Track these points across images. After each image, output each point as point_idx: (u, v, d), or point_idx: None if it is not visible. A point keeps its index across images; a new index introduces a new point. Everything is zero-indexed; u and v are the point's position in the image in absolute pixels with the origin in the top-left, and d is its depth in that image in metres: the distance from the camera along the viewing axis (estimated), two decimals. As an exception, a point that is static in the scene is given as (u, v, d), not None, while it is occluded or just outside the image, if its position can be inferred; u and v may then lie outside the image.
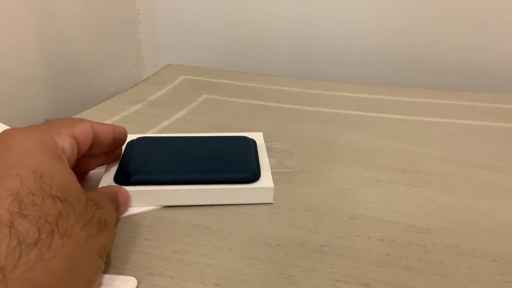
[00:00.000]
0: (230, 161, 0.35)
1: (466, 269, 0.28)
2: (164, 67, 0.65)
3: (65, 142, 0.27)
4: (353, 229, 0.31)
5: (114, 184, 0.33)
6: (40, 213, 0.21)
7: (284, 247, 0.30)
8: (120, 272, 0.28)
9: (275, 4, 0.68)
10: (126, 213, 0.33)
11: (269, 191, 0.34)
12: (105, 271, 0.27)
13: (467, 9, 0.60)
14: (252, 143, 0.39)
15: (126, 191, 0.32)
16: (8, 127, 0.39)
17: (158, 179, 0.33)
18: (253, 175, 0.34)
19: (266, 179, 0.34)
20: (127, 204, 0.33)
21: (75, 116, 0.49)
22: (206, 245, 0.30)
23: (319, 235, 0.31)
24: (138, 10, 0.70)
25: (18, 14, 0.50)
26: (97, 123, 0.31)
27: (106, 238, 0.25)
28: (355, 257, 0.29)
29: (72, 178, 0.24)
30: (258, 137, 0.40)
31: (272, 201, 0.34)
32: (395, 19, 0.63)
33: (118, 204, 0.31)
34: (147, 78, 0.61)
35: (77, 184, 0.24)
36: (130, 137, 0.38)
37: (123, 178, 0.33)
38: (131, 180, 0.33)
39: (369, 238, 0.30)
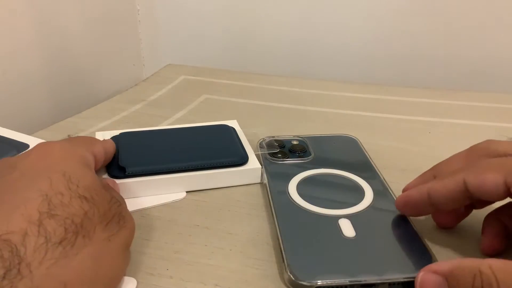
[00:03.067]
0: (218, 147, 0.38)
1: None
2: (164, 67, 0.65)
3: (90, 156, 0.29)
4: (353, 229, 0.31)
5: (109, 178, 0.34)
6: (67, 213, 0.22)
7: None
8: (120, 272, 0.28)
9: (275, 5, 0.68)
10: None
11: (257, 172, 0.36)
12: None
13: (467, 9, 0.60)
14: (233, 129, 0.41)
15: (113, 180, 0.33)
16: (13, 131, 0.40)
17: (154, 169, 0.34)
18: (243, 158, 0.36)
19: (253, 161, 0.37)
20: (115, 185, 0.33)
21: (75, 116, 0.49)
22: (206, 245, 0.30)
23: (319, 235, 0.31)
24: (138, 10, 0.70)
25: (18, 15, 0.50)
26: (104, 142, 0.34)
27: (127, 233, 0.26)
28: None
29: (96, 180, 0.26)
30: (234, 124, 0.43)
31: (259, 181, 0.37)
32: (395, 19, 0.63)
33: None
34: (147, 78, 0.61)
35: (101, 185, 0.26)
36: (112, 133, 0.40)
37: (118, 171, 0.34)
38: (126, 173, 0.34)
39: (369, 238, 0.30)
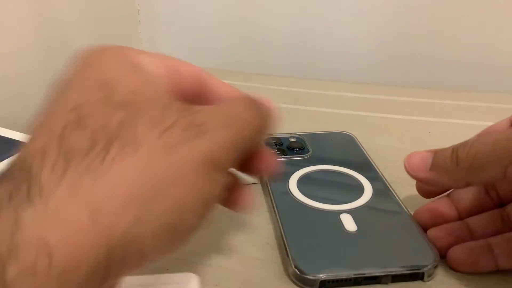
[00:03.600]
0: None
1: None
2: (164, 67, 0.64)
3: (148, 59, 0.21)
4: (353, 229, 0.31)
5: None
6: (98, 124, 0.17)
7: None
8: (120, 272, 0.28)
9: (275, 5, 0.68)
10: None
11: None
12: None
13: (467, 8, 0.60)
14: None
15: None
16: (13, 131, 0.40)
17: None
18: None
19: None
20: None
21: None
22: (206, 245, 0.30)
23: (319, 235, 0.31)
24: (138, 10, 0.70)
25: (18, 15, 0.50)
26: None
27: (205, 144, 0.18)
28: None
29: (144, 83, 0.19)
30: None
31: (257, 181, 0.36)
32: (395, 19, 0.63)
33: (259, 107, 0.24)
34: (147, 78, 0.61)
35: (152, 88, 0.20)
36: None
37: None
38: None
39: (369, 238, 0.30)
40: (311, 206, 0.32)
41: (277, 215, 0.31)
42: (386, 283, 0.26)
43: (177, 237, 0.19)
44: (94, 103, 0.18)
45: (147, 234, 0.17)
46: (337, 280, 0.26)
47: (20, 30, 0.50)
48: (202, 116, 0.19)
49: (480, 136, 0.25)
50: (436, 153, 0.27)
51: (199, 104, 0.20)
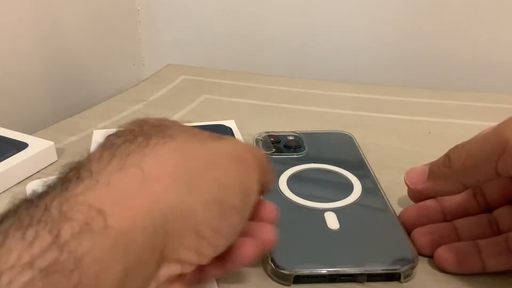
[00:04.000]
0: None
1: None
2: (164, 67, 0.65)
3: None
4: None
5: None
6: (135, 131, 0.20)
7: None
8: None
9: (275, 5, 0.68)
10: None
11: None
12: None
13: (467, 8, 0.60)
14: (229, 129, 0.42)
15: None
16: (13, 131, 0.40)
17: None
18: None
19: None
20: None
21: (75, 116, 0.48)
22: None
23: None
24: (138, 10, 0.70)
25: (18, 14, 0.50)
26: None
27: (230, 143, 0.22)
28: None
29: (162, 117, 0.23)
30: (231, 124, 0.44)
31: None
32: (395, 19, 0.63)
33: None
34: (147, 78, 0.61)
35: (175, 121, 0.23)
36: (110, 132, 0.38)
37: None
38: None
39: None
40: (298, 203, 0.32)
41: None
42: (361, 281, 0.26)
43: (225, 213, 0.20)
44: (131, 127, 0.20)
45: (198, 206, 0.18)
46: (312, 276, 0.26)
47: (20, 30, 0.51)
48: (219, 134, 0.22)
49: (471, 138, 0.26)
50: (431, 163, 0.28)
51: None
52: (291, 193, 0.33)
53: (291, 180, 0.35)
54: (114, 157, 0.17)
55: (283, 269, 0.26)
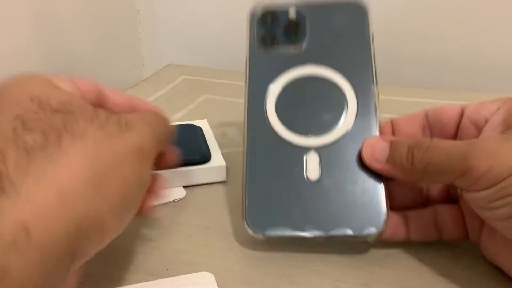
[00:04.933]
0: (181, 146, 0.36)
1: (467, 268, 0.28)
2: (164, 67, 0.65)
3: (61, 81, 0.25)
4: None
5: None
6: (45, 124, 0.20)
7: (284, 247, 0.30)
8: (120, 272, 0.28)
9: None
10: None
11: (221, 170, 0.37)
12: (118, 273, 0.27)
13: (467, 8, 0.60)
14: (199, 129, 0.41)
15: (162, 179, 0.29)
16: None
17: None
18: (204, 156, 0.37)
19: (217, 159, 0.37)
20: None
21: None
22: (206, 245, 0.30)
23: (319, 235, 0.31)
24: (138, 10, 0.70)
25: (18, 14, 0.50)
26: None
27: (135, 137, 0.23)
28: (355, 257, 0.29)
29: (71, 95, 0.23)
30: (203, 124, 0.43)
31: (225, 179, 0.37)
32: (395, 19, 0.63)
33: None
34: (147, 78, 0.62)
35: (80, 99, 0.23)
36: None
37: None
38: None
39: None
40: (281, 136, 0.30)
41: (246, 150, 0.30)
42: (329, 242, 0.28)
43: (128, 211, 0.23)
44: (33, 112, 0.21)
45: (105, 211, 0.21)
46: (281, 237, 0.28)
47: (20, 30, 0.51)
48: (127, 117, 0.23)
49: (437, 143, 0.25)
50: (392, 145, 0.27)
51: None
52: (277, 119, 0.30)
53: (280, 96, 0.31)
54: (30, 165, 0.19)
55: (253, 231, 0.28)
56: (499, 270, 0.27)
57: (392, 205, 0.28)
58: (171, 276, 0.27)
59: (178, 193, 0.35)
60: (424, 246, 0.29)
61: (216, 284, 0.26)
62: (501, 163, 0.22)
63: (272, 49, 0.32)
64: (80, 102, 0.22)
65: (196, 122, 0.43)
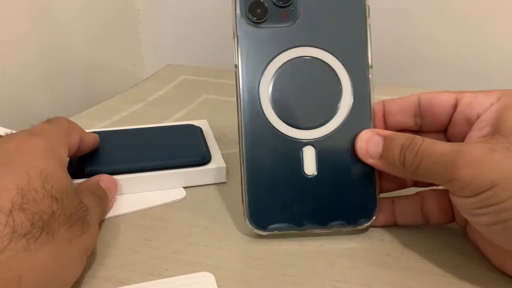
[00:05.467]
0: (181, 147, 0.37)
1: (467, 268, 0.28)
2: (164, 67, 0.65)
3: (65, 155, 0.30)
4: (353, 229, 0.31)
5: None
6: (37, 209, 0.23)
7: (284, 247, 0.30)
8: (120, 272, 0.28)
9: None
10: (117, 213, 0.33)
11: (221, 171, 0.36)
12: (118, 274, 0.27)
13: (467, 8, 0.60)
14: (198, 129, 0.41)
15: (109, 176, 0.33)
16: (8, 130, 0.40)
17: (113, 169, 0.34)
18: (204, 158, 0.36)
19: (217, 160, 0.37)
20: (114, 188, 0.33)
21: (75, 116, 0.48)
22: (206, 245, 0.30)
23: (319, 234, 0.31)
24: (138, 10, 0.70)
25: (18, 14, 0.50)
26: (85, 133, 0.34)
27: (88, 239, 0.27)
28: (355, 257, 0.29)
29: (69, 183, 0.27)
30: (203, 124, 0.43)
31: (225, 180, 0.37)
32: (394, 19, 0.63)
33: (102, 194, 0.32)
34: (147, 78, 0.61)
35: (73, 189, 0.27)
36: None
37: (77, 171, 0.34)
38: (85, 173, 0.34)
39: (369, 238, 0.30)
40: (277, 130, 0.29)
41: (242, 143, 0.30)
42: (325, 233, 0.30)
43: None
44: (35, 191, 0.23)
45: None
46: (281, 232, 0.29)
47: (20, 30, 0.51)
48: (88, 215, 0.27)
49: (427, 146, 0.26)
50: (386, 141, 0.28)
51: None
52: (272, 110, 0.30)
53: (274, 84, 0.30)
54: (6, 248, 0.21)
55: (254, 227, 0.29)
56: (500, 273, 0.27)
57: (381, 186, 0.30)
58: (171, 276, 0.27)
59: (178, 193, 0.35)
60: (424, 246, 0.29)
61: (216, 284, 0.26)
62: (483, 175, 0.23)
63: (262, 25, 0.30)
64: (71, 197, 0.26)
65: (196, 122, 0.42)
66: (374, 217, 0.29)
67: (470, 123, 0.28)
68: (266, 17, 0.30)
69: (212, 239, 0.30)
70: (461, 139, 0.28)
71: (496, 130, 0.25)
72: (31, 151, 0.26)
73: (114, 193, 0.33)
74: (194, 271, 0.27)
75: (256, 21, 0.30)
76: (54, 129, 0.30)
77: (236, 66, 0.31)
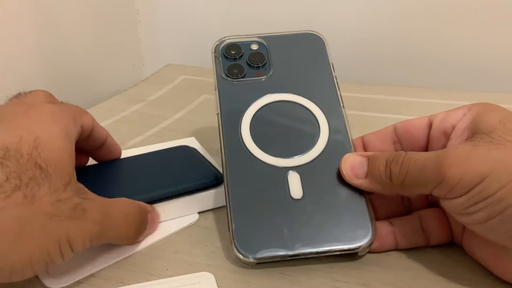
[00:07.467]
0: (188, 171, 0.34)
1: (467, 268, 0.28)
2: (164, 67, 0.65)
3: (74, 128, 0.28)
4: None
5: None
6: (16, 168, 0.22)
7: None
8: (120, 272, 0.28)
9: (275, 5, 0.68)
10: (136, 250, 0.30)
11: None
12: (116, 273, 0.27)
13: (467, 8, 0.60)
14: (194, 151, 0.37)
15: (156, 212, 0.31)
16: None
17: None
18: (217, 178, 0.33)
19: None
20: (155, 224, 0.31)
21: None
22: (206, 245, 0.30)
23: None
24: (138, 10, 0.70)
25: (18, 14, 0.50)
26: (97, 123, 0.32)
27: (75, 227, 0.23)
28: (355, 257, 0.29)
29: (66, 159, 0.25)
30: (192, 142, 0.40)
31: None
32: (394, 19, 0.63)
33: (144, 221, 0.29)
34: (147, 78, 0.61)
35: (69, 167, 0.25)
36: None
37: None
38: None
39: (369, 238, 0.30)
40: (260, 159, 0.30)
41: (226, 174, 0.29)
42: (320, 257, 0.28)
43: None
44: (20, 154, 0.23)
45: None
46: (273, 259, 0.27)
47: (20, 30, 0.51)
48: (89, 205, 0.24)
49: (411, 157, 0.26)
50: (370, 160, 0.28)
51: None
52: (254, 144, 0.31)
53: (254, 123, 0.31)
54: None
55: (243, 255, 0.27)
56: (499, 270, 0.27)
57: (376, 216, 0.29)
58: (171, 276, 0.27)
59: (192, 217, 0.33)
60: (423, 246, 0.29)
61: (216, 284, 0.26)
62: (472, 170, 0.23)
63: (239, 80, 0.34)
64: (61, 168, 0.24)
65: (184, 141, 0.39)
66: (370, 239, 0.28)
67: (447, 135, 0.28)
68: (243, 74, 0.34)
69: (212, 239, 0.30)
70: None
71: (475, 132, 0.26)
72: (37, 115, 0.25)
73: (153, 230, 0.30)
74: (195, 271, 0.27)
75: (234, 78, 0.34)
76: (69, 104, 0.30)
77: (218, 114, 0.32)
